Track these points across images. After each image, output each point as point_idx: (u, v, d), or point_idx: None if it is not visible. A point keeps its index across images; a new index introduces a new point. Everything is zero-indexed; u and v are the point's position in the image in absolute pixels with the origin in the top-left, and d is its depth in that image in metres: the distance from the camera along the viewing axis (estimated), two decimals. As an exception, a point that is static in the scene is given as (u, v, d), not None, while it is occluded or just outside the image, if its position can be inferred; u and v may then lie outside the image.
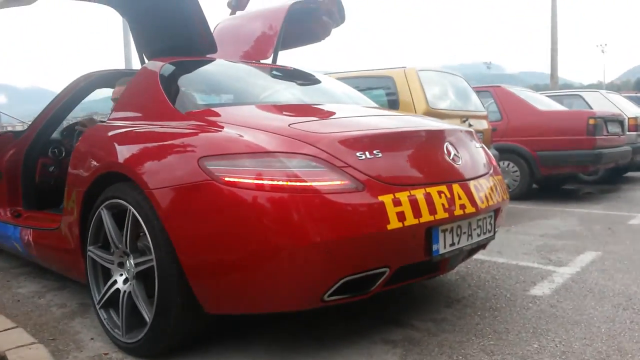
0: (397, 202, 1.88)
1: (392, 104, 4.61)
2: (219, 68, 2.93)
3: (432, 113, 4.29)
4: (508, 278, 3.07)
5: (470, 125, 4.76)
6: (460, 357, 2.03)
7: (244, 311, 2.00)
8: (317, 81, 3.20)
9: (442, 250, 2.05)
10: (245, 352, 2.13)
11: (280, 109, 2.50)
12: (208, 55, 3.07)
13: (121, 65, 13.69)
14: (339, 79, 3.59)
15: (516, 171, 6.31)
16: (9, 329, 2.17)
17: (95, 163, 2.33)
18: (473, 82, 6.06)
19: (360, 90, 3.46)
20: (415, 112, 4.31)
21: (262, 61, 3.44)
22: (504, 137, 6.29)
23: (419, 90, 4.49)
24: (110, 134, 2.39)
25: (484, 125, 5.25)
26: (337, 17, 3.74)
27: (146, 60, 3.11)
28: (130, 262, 2.14)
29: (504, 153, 6.18)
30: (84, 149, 2.47)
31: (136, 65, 3.11)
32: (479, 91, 6.13)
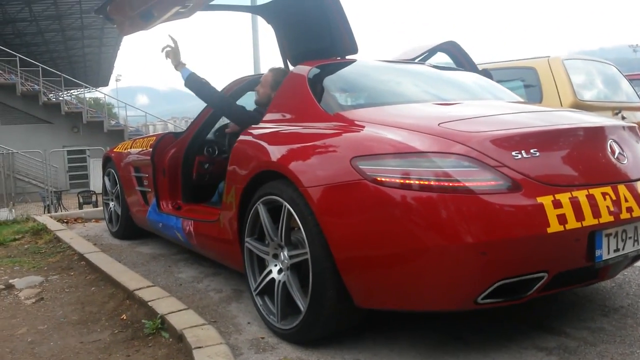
0: (557, 204, 1.80)
1: (534, 96, 4.37)
2: (362, 69, 2.99)
3: (580, 106, 3.99)
4: (674, 288, 2.78)
5: (623, 118, 4.36)
6: (625, 371, 1.90)
7: (394, 307, 2.04)
8: (460, 77, 3.14)
9: (605, 256, 1.92)
10: (392, 347, 2.18)
11: (426, 107, 2.50)
12: (349, 57, 3.15)
13: (250, 70, 14.54)
14: (478, 72, 3.48)
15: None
16: (182, 310, 2.43)
17: (252, 162, 2.51)
18: (618, 67, 5.50)
19: (499, 83, 3.33)
20: (562, 106, 4.05)
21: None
22: (662, 131, 5.65)
23: (565, 82, 4.20)
24: (265, 135, 2.56)
25: (639, 117, 4.78)
26: None
27: (289, 64, 3.26)
28: (285, 254, 2.28)
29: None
30: (241, 149, 2.67)
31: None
32: (632, 79, 5.57)
